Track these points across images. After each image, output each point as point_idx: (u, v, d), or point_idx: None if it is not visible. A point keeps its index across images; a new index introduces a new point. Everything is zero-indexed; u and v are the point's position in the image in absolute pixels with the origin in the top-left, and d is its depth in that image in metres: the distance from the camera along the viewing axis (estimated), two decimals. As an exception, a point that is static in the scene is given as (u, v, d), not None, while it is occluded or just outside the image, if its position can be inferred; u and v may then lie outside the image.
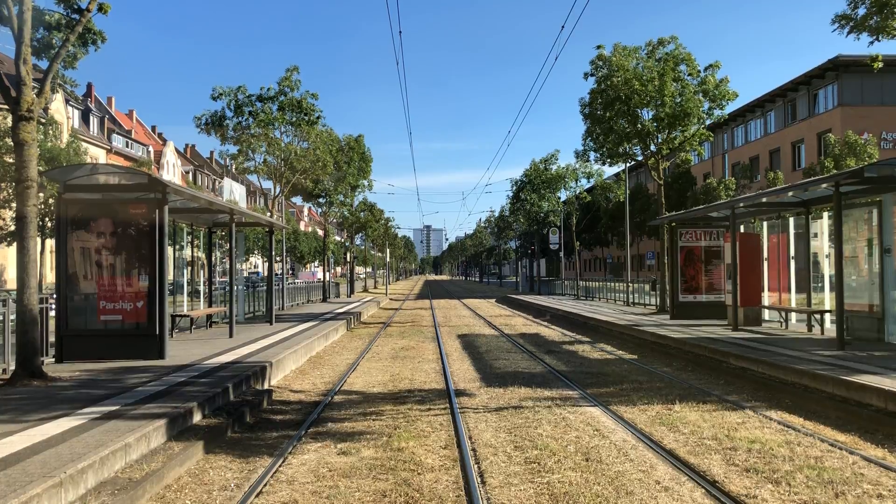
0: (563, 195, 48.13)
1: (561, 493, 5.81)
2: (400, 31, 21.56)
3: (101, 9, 11.31)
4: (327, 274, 43.45)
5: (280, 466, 6.68)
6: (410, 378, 12.34)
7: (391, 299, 48.61)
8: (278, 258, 44.93)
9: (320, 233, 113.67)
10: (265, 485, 6.12)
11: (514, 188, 51.47)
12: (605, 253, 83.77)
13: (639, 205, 53.04)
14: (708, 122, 25.02)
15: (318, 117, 24.58)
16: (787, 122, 57.36)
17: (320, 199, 37.00)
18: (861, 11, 11.13)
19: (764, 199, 17.04)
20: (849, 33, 11.44)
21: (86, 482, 5.40)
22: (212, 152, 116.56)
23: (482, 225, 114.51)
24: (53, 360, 11.92)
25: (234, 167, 25.53)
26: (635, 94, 23.12)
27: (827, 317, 15.93)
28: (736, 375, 11.77)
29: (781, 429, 8.05)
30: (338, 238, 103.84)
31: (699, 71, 24.44)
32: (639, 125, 23.72)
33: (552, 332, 21.68)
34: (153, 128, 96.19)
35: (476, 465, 6.65)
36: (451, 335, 20.83)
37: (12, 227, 39.23)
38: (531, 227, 51.10)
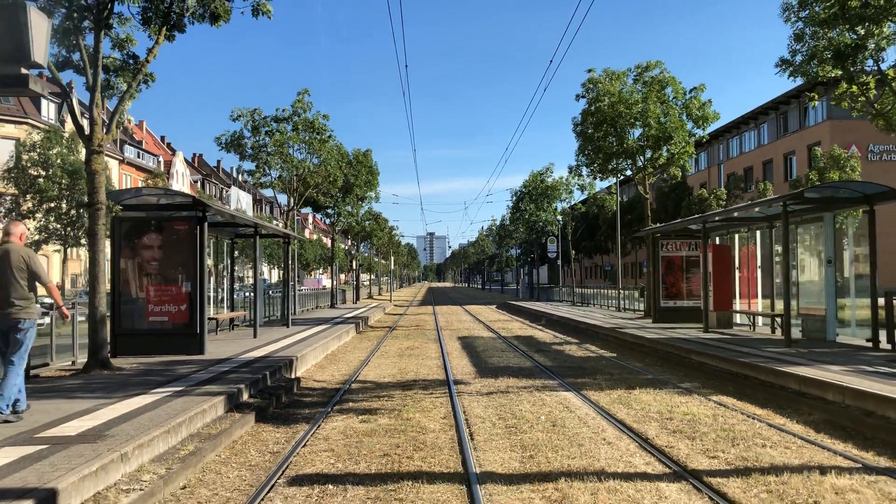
0: (561, 205, 50.10)
1: (529, 444, 7.78)
2: (406, 66, 23.61)
3: (150, 52, 13.31)
4: (337, 281, 45.44)
5: (316, 430, 8.65)
6: (416, 371, 14.30)
7: (395, 305, 50.57)
8: (290, 266, 47.01)
9: (325, 240, 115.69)
10: (307, 441, 8.09)
11: (514, 198, 53.46)
12: (605, 260, 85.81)
13: (636, 214, 55.02)
14: (692, 141, 26.94)
15: (329, 136, 26.65)
16: (779, 134, 59.32)
17: (328, 211, 39.05)
18: (798, 59, 13.12)
19: (735, 214, 19.05)
20: (790, 76, 13.43)
21: (181, 433, 7.39)
22: (219, 161, 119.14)
23: (484, 233, 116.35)
24: (109, 355, 13.88)
25: (251, 181, 27.50)
26: (621, 116, 25.14)
27: (794, 321, 17.84)
28: (695, 368, 13.73)
29: (714, 406, 10.01)
30: (342, 246, 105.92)
31: (684, 93, 26.44)
32: (625, 144, 25.71)
33: (544, 335, 23.64)
34: (162, 138, 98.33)
35: (467, 429, 8.61)
36: (452, 337, 22.78)
37: (36, 237, 41.40)
38: (530, 235, 53.06)
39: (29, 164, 39.99)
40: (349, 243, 68.48)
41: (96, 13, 11.79)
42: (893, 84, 12.52)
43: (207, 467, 6.93)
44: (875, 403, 8.68)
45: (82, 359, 12.02)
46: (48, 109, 59.17)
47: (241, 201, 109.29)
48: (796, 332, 16.39)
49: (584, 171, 29.01)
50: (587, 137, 27.01)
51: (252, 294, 26.70)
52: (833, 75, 13.20)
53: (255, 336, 18.23)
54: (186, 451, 7.02)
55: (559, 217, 48.59)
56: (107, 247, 12.35)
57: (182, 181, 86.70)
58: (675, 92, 26.38)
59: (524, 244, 61.96)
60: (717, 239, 22.39)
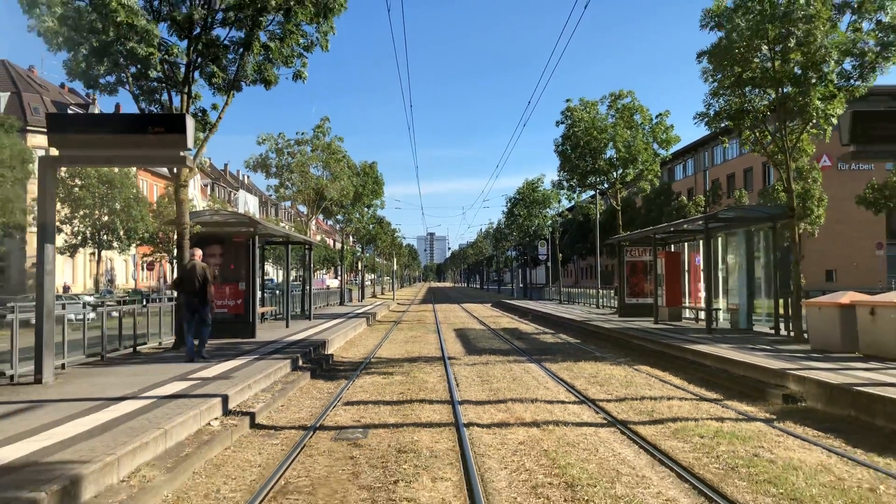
0: (551, 212, 54.30)
1: (494, 388, 11.93)
2: (411, 105, 27.81)
3: (221, 111, 17.36)
4: (343, 281, 49.62)
5: (353, 382, 12.79)
6: (419, 351, 18.45)
7: (398, 304, 54.71)
8: (310, 269, 51.26)
9: (328, 241, 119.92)
10: (348, 387, 12.22)
11: (509, 204, 57.62)
12: (597, 262, 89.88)
13: (626, 218, 59.31)
14: (657, 161, 31.08)
15: (343, 156, 30.83)
16: (758, 144, 63.28)
17: (338, 218, 43.22)
18: (712, 112, 17.26)
19: (685, 227, 23.17)
20: (706, 125, 17.56)
21: (271, 379, 11.54)
22: (226, 165, 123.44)
23: (482, 235, 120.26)
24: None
25: (275, 196, 31.64)
26: (594, 140, 29.31)
27: (720, 313, 21.98)
28: (633, 349, 17.87)
29: (631, 370, 14.15)
30: (348, 248, 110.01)
31: (651, 119, 30.62)
32: (597, 164, 29.88)
33: (527, 327, 27.81)
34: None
35: (455, 381, 12.75)
36: (449, 329, 26.93)
37: (74, 241, 45.57)
38: (524, 239, 57.22)
39: (67, 175, 44.11)
40: (351, 243, 72.69)
41: (182, 83, 15.87)
42: (777, 136, 16.65)
43: (291, 397, 11.10)
44: (731, 365, 12.82)
45: (152, 344, 16.19)
46: (74, 120, 63.41)
47: (248, 204, 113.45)
48: (726, 323, 20.55)
49: (565, 184, 33.18)
50: (566, 157, 31.19)
51: (277, 292, 30.80)
52: (732, 127, 17.35)
53: (287, 326, 22.38)
54: (277, 388, 11.20)
55: (549, 222, 52.73)
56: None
57: (194, 185, 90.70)
58: (643, 118, 30.56)
59: (519, 246, 66.08)
60: (672, 246, 26.51)
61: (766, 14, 14.49)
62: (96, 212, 45.11)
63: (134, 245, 50.75)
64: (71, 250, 45.98)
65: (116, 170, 46.50)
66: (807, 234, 47.06)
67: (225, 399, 9.01)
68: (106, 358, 13.69)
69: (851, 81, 15.00)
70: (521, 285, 69.71)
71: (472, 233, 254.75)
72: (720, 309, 22.00)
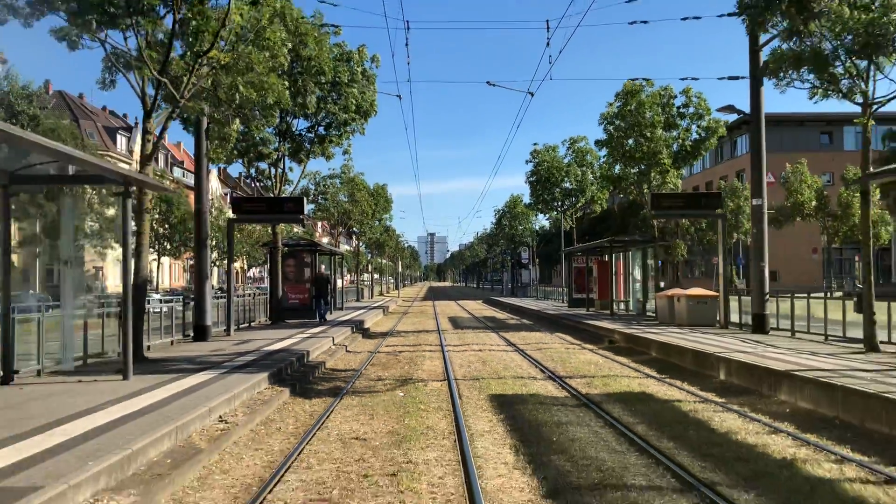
0: (534, 221, 64.33)
1: (465, 341, 21.83)
2: (415, 156, 37.49)
3: (301, 174, 27.11)
4: (358, 282, 59.55)
5: (386, 339, 22.64)
6: (423, 328, 28.29)
7: (403, 300, 64.57)
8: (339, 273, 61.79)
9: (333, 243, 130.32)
10: (385, 340, 22.08)
11: (497, 216, 67.56)
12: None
13: (604, 226, 69.45)
14: (604, 191, 40.93)
15: (364, 187, 40.76)
16: (717, 161, 73.29)
17: (355, 230, 53.14)
18: (612, 173, 27.07)
19: (608, 244, 32.99)
20: (603, 182, 27.37)
21: (345, 335, 21.40)
22: (240, 174, 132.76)
23: (477, 239, 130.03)
24: (269, 319, 27.78)
25: (313, 217, 41.47)
26: (553, 175, 39.23)
27: (630, 303, 31.75)
28: (560, 325, 27.70)
29: (549, 335, 23.99)
30: (347, 247, 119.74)
31: (599, 158, 40.51)
32: (555, 194, 39.82)
33: (501, 315, 37.73)
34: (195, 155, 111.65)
35: (444, 338, 22.59)
36: (444, 317, 36.79)
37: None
38: (509, 246, 67.20)
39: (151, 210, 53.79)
40: (354, 244, 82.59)
41: (276, 161, 25.60)
42: (645, 192, 26.48)
43: (357, 343, 21.00)
44: (600, 330, 22.64)
45: (256, 321, 26.04)
46: (121, 143, 73.41)
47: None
48: (633, 311, 30.33)
49: (534, 208, 43.11)
50: (534, 188, 41.10)
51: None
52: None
53: (331, 313, 32.24)
54: (349, 339, 21.12)
55: (528, 232, 62.74)
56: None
57: (216, 195, 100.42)
58: (592, 158, 40.46)
59: (508, 251, 75.99)
60: (606, 256, 36.24)
61: (629, 121, 24.42)
62: (155, 225, 54.90)
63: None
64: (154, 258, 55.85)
65: (170, 188, 56.37)
66: (739, 242, 56.97)
67: (333, 339, 18.90)
68: (240, 327, 23.47)
69: (683, 160, 24.88)
70: (509, 285, 79.63)
71: (468, 237, 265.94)
72: (629, 301, 31.83)
